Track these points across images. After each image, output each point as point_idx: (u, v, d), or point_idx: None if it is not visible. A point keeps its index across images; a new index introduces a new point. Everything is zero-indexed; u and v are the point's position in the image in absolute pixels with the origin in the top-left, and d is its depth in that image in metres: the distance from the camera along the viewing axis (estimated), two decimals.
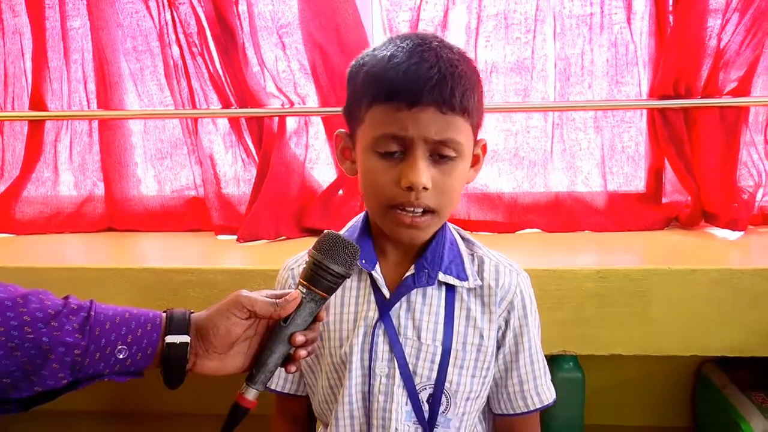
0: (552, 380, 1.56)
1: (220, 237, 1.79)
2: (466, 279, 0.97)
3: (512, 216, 1.76)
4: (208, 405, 1.62)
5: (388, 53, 0.88)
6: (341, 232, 1.02)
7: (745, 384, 1.57)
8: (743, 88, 1.66)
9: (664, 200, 1.78)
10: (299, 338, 0.82)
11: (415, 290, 0.96)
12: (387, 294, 0.96)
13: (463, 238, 1.03)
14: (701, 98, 1.67)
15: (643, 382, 1.74)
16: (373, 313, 0.96)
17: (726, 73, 1.66)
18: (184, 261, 1.51)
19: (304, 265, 0.85)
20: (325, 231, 0.86)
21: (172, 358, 0.80)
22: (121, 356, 0.79)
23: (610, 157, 1.75)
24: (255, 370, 0.83)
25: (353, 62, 0.95)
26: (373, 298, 0.97)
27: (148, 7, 1.77)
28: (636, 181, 1.78)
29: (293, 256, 1.06)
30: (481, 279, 0.98)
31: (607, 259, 1.52)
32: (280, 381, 1.06)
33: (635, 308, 1.35)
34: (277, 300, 0.83)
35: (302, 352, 0.84)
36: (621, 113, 1.74)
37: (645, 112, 1.74)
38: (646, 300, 1.35)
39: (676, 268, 1.35)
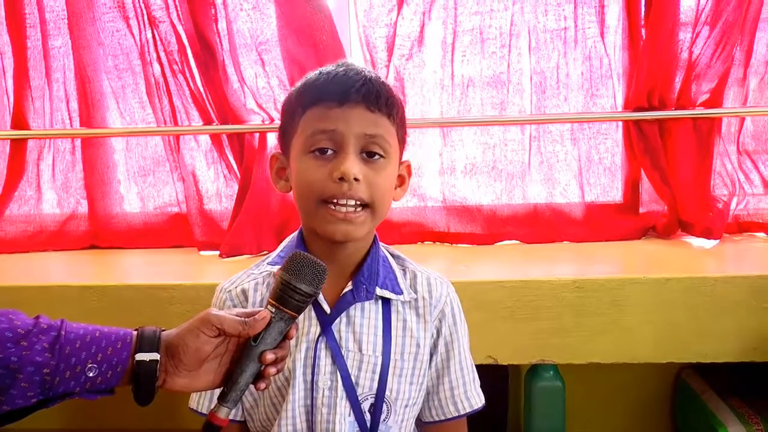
0: (532, 389, 1.60)
1: (203, 253, 1.79)
2: (401, 293, 1.02)
3: (491, 228, 1.78)
4: (178, 420, 1.63)
5: (317, 72, 0.98)
6: (276, 252, 1.06)
7: (724, 390, 1.60)
8: (715, 99, 1.70)
9: (640, 210, 1.80)
10: (269, 356, 0.84)
11: (353, 305, 0.99)
12: (327, 309, 0.98)
13: (392, 254, 1.08)
14: (675, 110, 1.70)
15: (624, 389, 1.76)
16: (315, 329, 0.99)
17: (698, 85, 1.69)
18: (166, 277, 1.52)
19: (272, 284, 0.87)
20: (293, 252, 0.87)
21: (141, 375, 0.81)
22: (91, 374, 0.80)
23: (587, 168, 1.78)
24: (226, 388, 0.84)
25: (288, 93, 1.03)
26: (313, 314, 0.99)
27: (129, 26, 1.78)
28: (613, 192, 1.81)
29: (228, 278, 1.07)
30: (416, 292, 1.03)
31: (584, 269, 1.55)
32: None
33: (611, 317, 1.37)
34: (247, 319, 0.84)
35: (272, 370, 0.85)
36: (597, 125, 1.77)
37: (620, 123, 1.77)
38: (622, 309, 1.37)
39: (651, 277, 1.37)
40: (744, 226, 1.80)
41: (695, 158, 1.72)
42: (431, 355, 1.04)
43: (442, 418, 1.06)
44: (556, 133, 1.77)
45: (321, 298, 0.98)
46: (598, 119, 1.76)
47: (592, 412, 1.76)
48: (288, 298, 0.84)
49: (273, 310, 0.85)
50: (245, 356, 0.84)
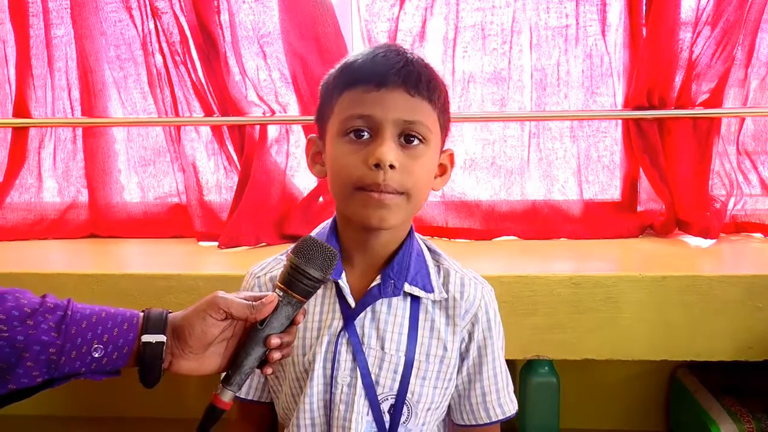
0: (527, 385, 1.61)
1: (202, 243, 1.80)
2: (431, 291, 0.98)
3: (489, 223, 1.79)
4: (184, 409, 1.64)
5: (357, 53, 0.94)
6: None
7: (716, 388, 1.60)
8: (715, 99, 1.70)
9: (638, 208, 1.81)
10: (274, 341, 0.83)
11: (380, 300, 0.96)
12: (352, 303, 0.96)
13: (429, 249, 1.04)
14: (674, 109, 1.71)
15: (619, 386, 1.77)
16: (338, 322, 0.96)
17: (698, 85, 1.70)
18: (165, 267, 1.52)
19: (281, 269, 0.86)
20: (304, 236, 0.86)
21: (147, 357, 0.81)
22: (97, 355, 0.80)
23: (586, 166, 1.78)
24: (231, 371, 0.84)
25: (326, 74, 0.98)
26: (338, 307, 0.96)
27: (131, 16, 1.79)
28: (611, 190, 1.81)
29: (259, 262, 1.06)
30: (447, 291, 0.99)
31: (581, 266, 1.55)
32: (244, 387, 1.04)
33: (607, 314, 1.38)
34: (254, 303, 0.83)
35: (276, 355, 0.84)
36: (596, 123, 1.77)
37: (620, 122, 1.77)
38: (618, 306, 1.37)
39: (647, 275, 1.37)
40: (741, 227, 1.80)
41: (694, 158, 1.72)
42: (462, 360, 1.01)
43: (474, 423, 1.03)
44: (556, 130, 1.78)
45: (347, 291, 0.95)
46: (598, 117, 1.77)
47: (587, 407, 1.76)
48: (296, 282, 0.83)
49: (281, 293, 0.84)
50: (251, 339, 0.84)
